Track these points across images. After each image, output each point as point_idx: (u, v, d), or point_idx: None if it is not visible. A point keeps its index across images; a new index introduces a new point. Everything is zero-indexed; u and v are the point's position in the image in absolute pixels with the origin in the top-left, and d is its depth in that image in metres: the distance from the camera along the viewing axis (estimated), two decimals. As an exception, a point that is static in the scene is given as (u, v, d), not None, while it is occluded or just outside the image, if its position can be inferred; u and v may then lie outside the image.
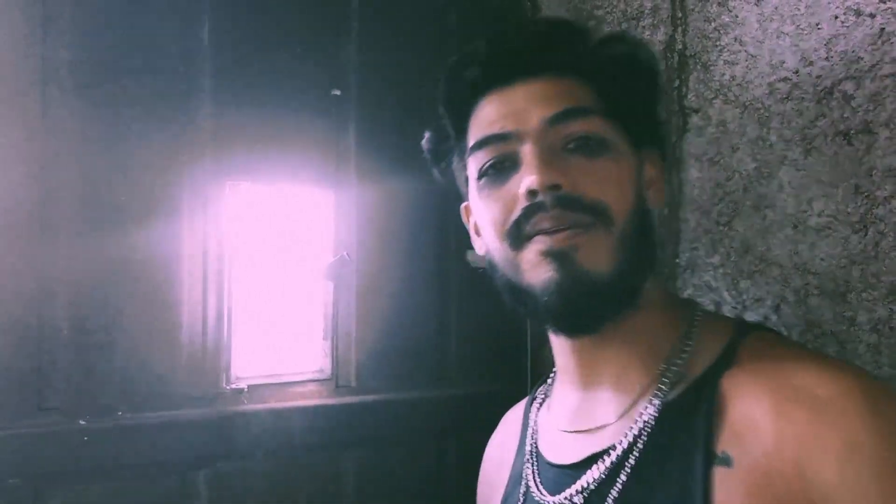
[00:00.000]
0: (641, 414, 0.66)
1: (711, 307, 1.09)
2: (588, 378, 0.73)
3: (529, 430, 0.80)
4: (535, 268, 0.66)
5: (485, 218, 0.71)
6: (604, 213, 0.66)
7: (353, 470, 1.21)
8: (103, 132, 1.07)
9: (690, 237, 1.13)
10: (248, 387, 1.16)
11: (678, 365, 0.66)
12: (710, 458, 0.60)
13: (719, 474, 0.59)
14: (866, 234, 0.90)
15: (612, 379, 0.71)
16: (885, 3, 0.88)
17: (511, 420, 0.88)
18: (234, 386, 1.15)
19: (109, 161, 1.07)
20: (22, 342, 1.01)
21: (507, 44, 0.73)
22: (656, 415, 0.64)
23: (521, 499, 0.73)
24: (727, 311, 1.07)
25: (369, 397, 1.23)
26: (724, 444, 0.60)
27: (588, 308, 0.66)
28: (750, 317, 1.03)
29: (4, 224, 1.01)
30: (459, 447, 1.09)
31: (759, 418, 0.59)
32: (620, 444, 0.65)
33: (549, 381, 0.84)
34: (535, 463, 0.75)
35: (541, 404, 0.82)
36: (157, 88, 1.11)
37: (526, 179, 0.65)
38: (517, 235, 0.67)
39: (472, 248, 0.82)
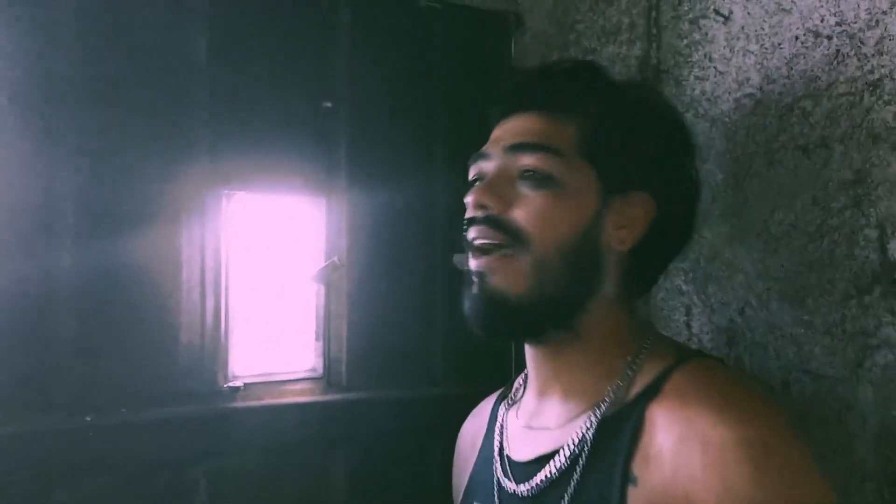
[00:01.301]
0: (581, 427, 0.75)
1: (682, 311, 1.15)
2: (544, 384, 0.84)
3: (498, 423, 0.91)
4: (468, 283, 0.81)
5: None
6: (521, 239, 0.75)
7: (343, 464, 1.27)
8: (105, 144, 1.13)
9: (664, 243, 1.19)
10: (245, 385, 1.22)
11: (619, 387, 0.76)
12: (627, 477, 0.69)
13: (631, 492, 0.69)
14: (822, 243, 0.95)
15: (562, 389, 0.82)
16: (840, 25, 0.94)
17: (483, 409, 1.01)
18: (231, 384, 1.21)
19: (111, 172, 1.13)
20: (29, 344, 1.07)
21: (516, 82, 0.89)
22: (593, 430, 0.73)
23: (492, 484, 0.84)
24: (696, 314, 1.13)
25: (359, 395, 1.29)
26: (636, 466, 0.69)
27: (500, 322, 0.78)
28: (717, 320, 1.09)
29: (12, 232, 1.07)
30: (445, 445, 1.14)
31: (665, 450, 0.68)
32: (563, 451, 0.75)
33: (519, 382, 0.95)
34: (500, 454, 0.86)
35: (511, 402, 0.93)
36: (157, 102, 1.17)
37: (468, 195, 0.80)
38: (466, 242, 0.81)
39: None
